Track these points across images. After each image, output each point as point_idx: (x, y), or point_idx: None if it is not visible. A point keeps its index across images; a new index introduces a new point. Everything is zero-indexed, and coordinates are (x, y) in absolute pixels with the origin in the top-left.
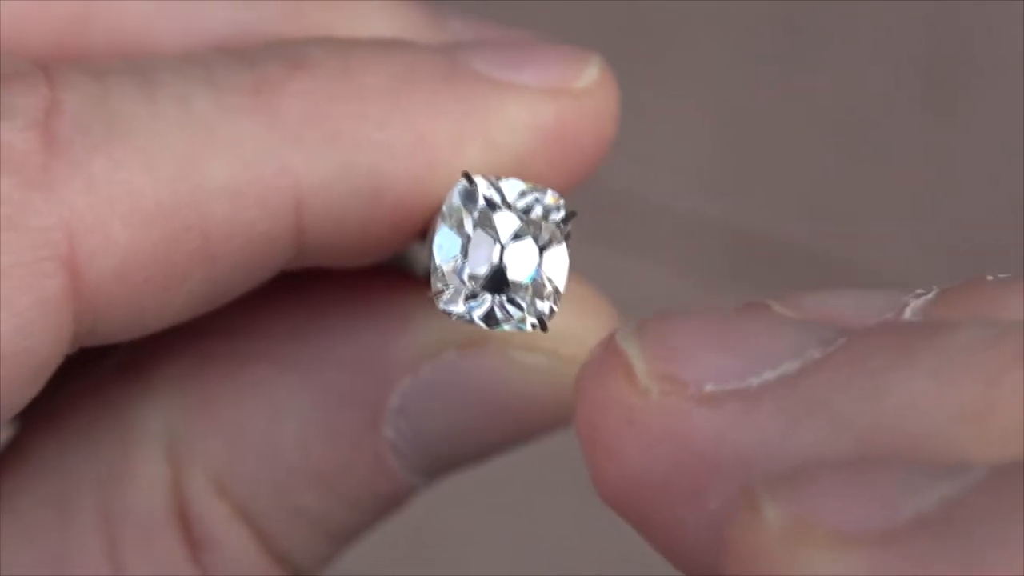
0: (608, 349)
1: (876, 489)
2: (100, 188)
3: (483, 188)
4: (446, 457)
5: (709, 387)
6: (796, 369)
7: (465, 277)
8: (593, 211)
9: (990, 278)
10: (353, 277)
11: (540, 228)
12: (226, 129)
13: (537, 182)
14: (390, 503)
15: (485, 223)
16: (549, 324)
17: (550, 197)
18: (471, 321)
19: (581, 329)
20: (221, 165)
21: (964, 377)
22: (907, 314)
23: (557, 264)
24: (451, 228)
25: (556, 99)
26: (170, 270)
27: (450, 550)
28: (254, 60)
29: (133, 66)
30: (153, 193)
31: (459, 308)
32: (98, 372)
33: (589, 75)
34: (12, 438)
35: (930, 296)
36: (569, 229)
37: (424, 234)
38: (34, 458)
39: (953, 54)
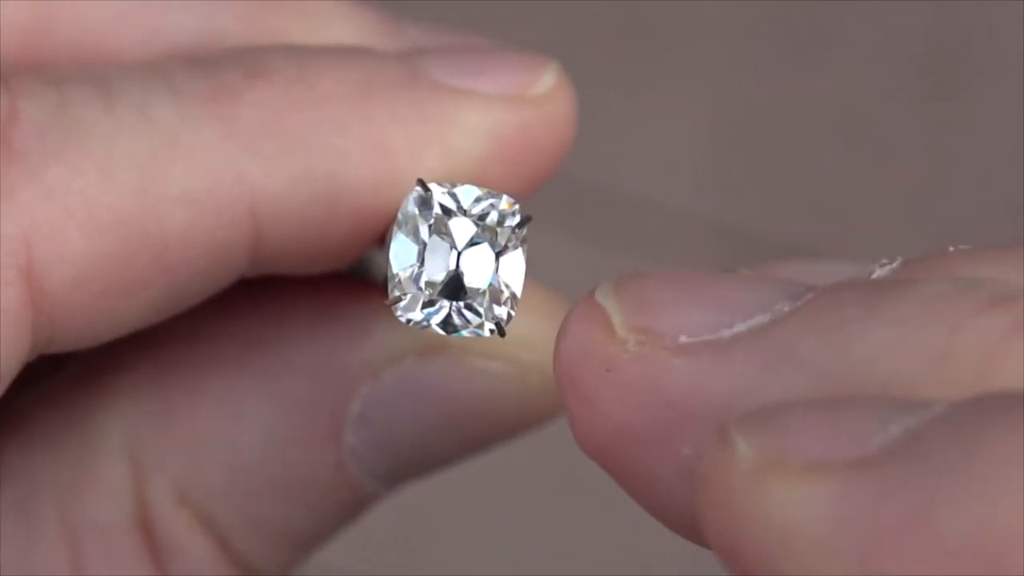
0: (587, 305)
1: (844, 422)
2: (58, 197)
3: (438, 194)
4: (407, 464)
5: (683, 338)
6: (767, 321)
7: (422, 284)
8: (587, 208)
9: (952, 248)
10: (312, 284)
11: (496, 234)
12: (185, 137)
13: (495, 188)
14: (351, 510)
15: (441, 230)
16: (507, 329)
17: (505, 202)
18: (429, 327)
19: (540, 334)
20: (179, 173)
21: (927, 325)
22: (873, 279)
23: (514, 269)
24: (407, 235)
25: (514, 106)
26: (128, 278)
27: (447, 551)
28: (213, 68)
29: (92, 75)
30: (111, 202)
31: (416, 315)
32: (59, 379)
33: (546, 81)
34: None
35: (895, 265)
36: (525, 234)
37: (382, 241)
38: None
39: (953, 54)
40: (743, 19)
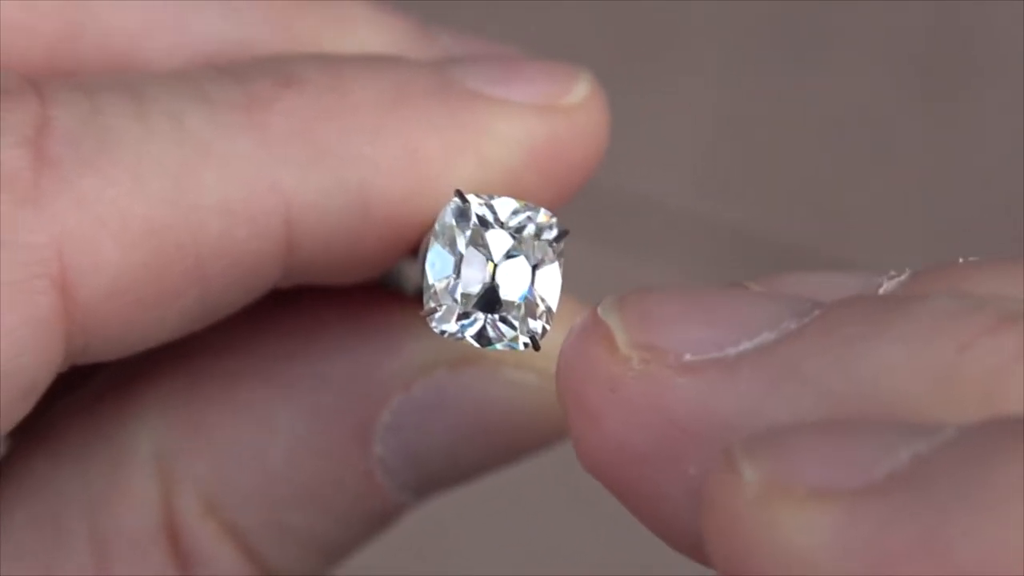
0: (590, 321)
1: (851, 448)
2: (91, 206)
3: (476, 206)
4: (436, 475)
5: (688, 356)
6: (772, 339)
7: (457, 296)
8: (589, 209)
9: (962, 260)
10: (344, 295)
11: (533, 247)
12: (218, 146)
13: (527, 198)
14: (379, 521)
15: (478, 242)
16: (541, 343)
17: (543, 216)
18: (463, 339)
19: None
20: (213, 183)
21: (935, 343)
22: (881, 293)
23: (550, 283)
24: (443, 246)
25: (547, 115)
26: (161, 288)
27: (459, 555)
28: (244, 77)
29: (124, 82)
30: (144, 211)
31: (451, 327)
32: (89, 390)
33: (579, 91)
34: (3, 456)
35: (903, 278)
36: (562, 248)
37: (415, 251)
38: (25, 476)
39: (953, 54)
40: (743, 19)
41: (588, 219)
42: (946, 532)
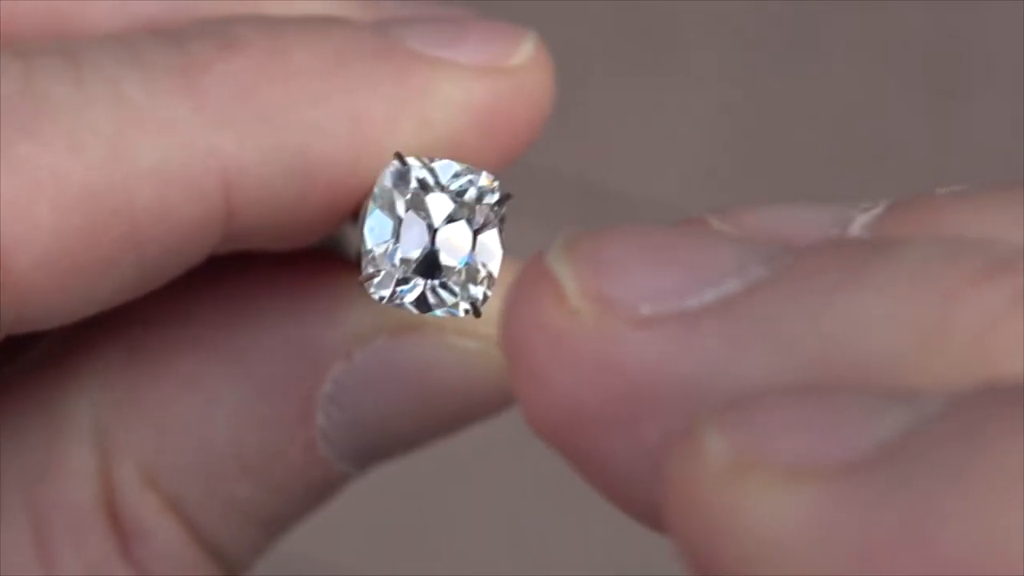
0: (535, 269)
1: (833, 418)
2: (26, 172)
3: (416, 169)
4: (379, 445)
5: (645, 308)
6: (739, 289)
7: (396, 261)
8: (588, 207)
9: (941, 191)
10: (284, 261)
11: (474, 211)
12: (155, 111)
13: (472, 160)
14: (322, 492)
15: (417, 205)
16: (483, 309)
17: (484, 179)
18: (402, 306)
19: None
20: (149, 148)
21: (919, 294)
22: (854, 229)
23: (491, 248)
24: (383, 210)
25: (491, 76)
26: (97, 255)
27: (451, 547)
28: (182, 40)
29: (60, 47)
30: (80, 177)
31: (390, 292)
32: (26, 362)
33: (524, 52)
34: None
35: (878, 211)
36: (504, 212)
37: (357, 216)
38: None
39: (953, 55)
40: (744, 19)
41: (588, 219)
42: (932, 518)
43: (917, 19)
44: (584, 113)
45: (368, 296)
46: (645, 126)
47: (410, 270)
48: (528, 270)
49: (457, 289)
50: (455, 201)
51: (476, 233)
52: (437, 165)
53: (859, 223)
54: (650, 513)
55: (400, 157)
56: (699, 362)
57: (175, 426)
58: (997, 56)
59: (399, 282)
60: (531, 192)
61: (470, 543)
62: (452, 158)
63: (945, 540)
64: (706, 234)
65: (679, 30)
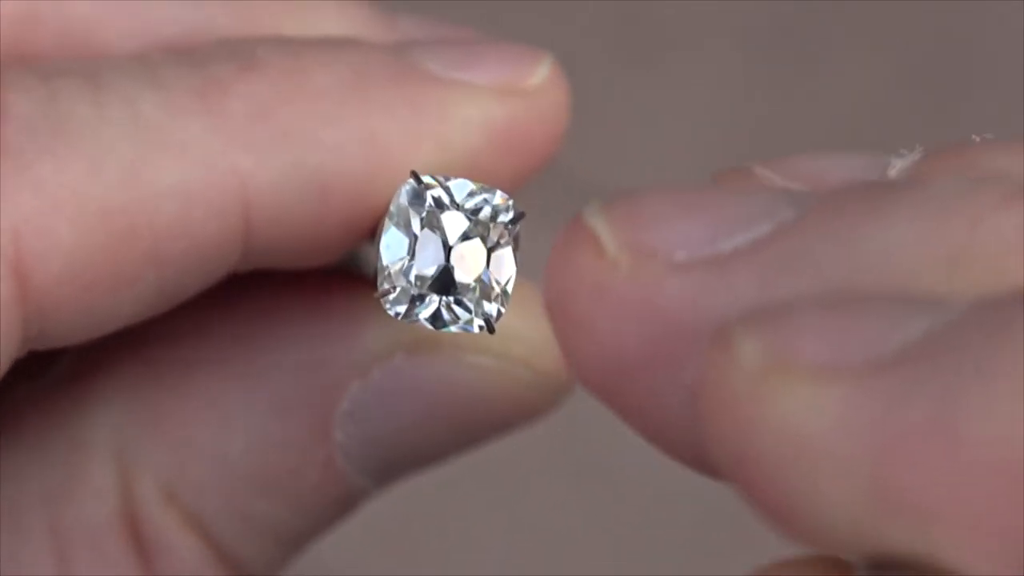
0: (574, 226)
1: (857, 323)
2: (47, 191)
3: (431, 188)
4: (397, 461)
5: (680, 254)
6: (769, 231)
7: (412, 278)
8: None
9: (976, 138)
10: (302, 279)
11: (488, 229)
12: (174, 131)
13: (488, 180)
14: (341, 507)
15: (433, 223)
16: (496, 326)
17: (499, 198)
18: (417, 322)
19: (530, 330)
20: (168, 167)
21: (945, 221)
22: (892, 174)
23: (505, 265)
24: (399, 228)
25: (507, 98)
26: (118, 272)
27: (449, 547)
28: (202, 61)
29: (81, 68)
30: (100, 195)
31: (405, 308)
32: (47, 379)
33: (540, 74)
34: None
35: (916, 156)
36: (518, 230)
37: (374, 234)
38: None
39: (953, 54)
40: (744, 19)
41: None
42: (956, 412)
43: (917, 19)
44: (581, 112)
45: (385, 313)
46: (642, 125)
47: (425, 287)
48: (567, 230)
49: (471, 306)
50: (470, 219)
51: (490, 251)
52: (452, 184)
53: (897, 168)
54: (694, 453)
55: (416, 176)
56: (732, 298)
57: (195, 443)
58: (997, 56)
59: (414, 299)
60: (529, 190)
61: (470, 543)
62: (467, 177)
63: (969, 431)
64: (736, 187)
65: (679, 30)
